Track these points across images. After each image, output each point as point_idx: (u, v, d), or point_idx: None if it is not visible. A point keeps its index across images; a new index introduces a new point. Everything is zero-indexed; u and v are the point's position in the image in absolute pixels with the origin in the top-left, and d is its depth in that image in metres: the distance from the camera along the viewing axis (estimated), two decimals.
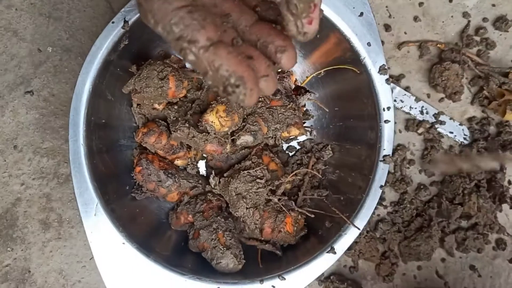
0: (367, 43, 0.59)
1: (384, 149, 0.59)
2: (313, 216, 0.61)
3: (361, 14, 0.59)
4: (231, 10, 0.35)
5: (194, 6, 0.30)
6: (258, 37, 0.34)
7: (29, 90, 0.66)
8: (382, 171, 0.58)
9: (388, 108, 0.59)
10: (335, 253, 0.57)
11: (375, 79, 0.59)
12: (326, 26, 0.59)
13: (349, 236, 0.58)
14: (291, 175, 0.63)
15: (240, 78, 0.30)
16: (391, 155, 0.59)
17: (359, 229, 0.57)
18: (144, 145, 0.61)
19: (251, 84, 0.30)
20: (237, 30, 0.35)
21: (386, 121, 0.59)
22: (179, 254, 0.61)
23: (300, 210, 0.61)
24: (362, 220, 0.58)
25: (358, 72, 0.60)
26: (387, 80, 0.59)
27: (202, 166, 0.67)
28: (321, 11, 0.32)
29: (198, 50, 0.30)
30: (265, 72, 0.32)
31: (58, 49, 0.66)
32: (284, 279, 0.56)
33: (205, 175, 0.67)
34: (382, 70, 0.59)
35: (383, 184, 0.59)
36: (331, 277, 0.68)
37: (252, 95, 0.31)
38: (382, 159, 0.59)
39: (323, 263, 0.57)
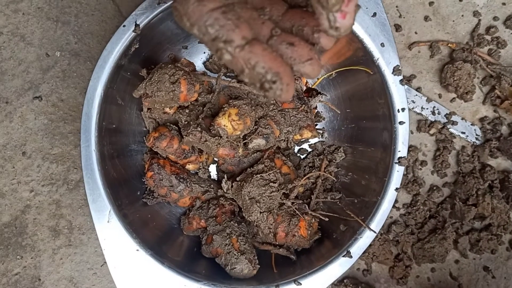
0: (381, 44, 0.58)
1: (399, 151, 0.58)
2: (327, 219, 0.60)
3: (374, 14, 0.58)
4: (262, 3, 0.35)
5: (227, 6, 0.30)
6: (292, 23, 0.34)
7: (38, 95, 0.65)
8: (397, 174, 0.58)
9: (403, 109, 0.58)
10: (351, 257, 0.56)
11: (389, 80, 0.58)
12: None
13: (365, 240, 0.57)
14: (304, 178, 0.62)
15: (277, 74, 0.30)
16: (406, 157, 0.58)
17: (375, 232, 0.57)
18: (155, 150, 0.60)
19: (287, 79, 0.31)
20: (272, 21, 0.35)
21: (401, 123, 0.58)
22: (192, 260, 0.60)
23: (314, 213, 0.61)
24: (378, 223, 0.57)
25: (371, 73, 0.60)
26: (401, 81, 0.58)
27: (213, 170, 0.67)
28: (358, 6, 0.31)
29: (234, 49, 0.30)
30: (308, 56, 0.33)
31: (67, 53, 0.66)
32: (300, 284, 0.56)
33: (216, 179, 0.67)
34: (396, 71, 0.58)
35: (399, 187, 0.58)
36: (345, 281, 0.67)
37: (289, 90, 0.31)
38: (397, 161, 0.58)
39: (339, 267, 0.57)
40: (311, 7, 0.34)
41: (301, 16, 0.35)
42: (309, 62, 0.33)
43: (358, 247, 0.57)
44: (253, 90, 0.61)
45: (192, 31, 0.31)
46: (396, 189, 0.58)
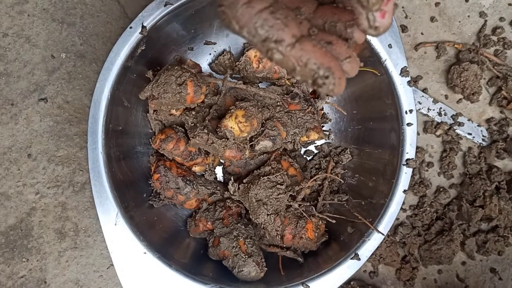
0: (388, 45, 0.58)
1: (407, 153, 0.58)
2: (334, 221, 0.60)
3: None
4: (295, 2, 0.35)
5: (274, 6, 0.30)
6: (324, 20, 0.34)
7: (43, 97, 0.65)
8: (405, 175, 0.58)
9: (411, 111, 0.58)
10: (359, 259, 0.56)
11: (396, 82, 0.58)
12: None
13: (372, 242, 0.57)
14: (311, 180, 0.62)
15: (329, 69, 0.30)
16: (414, 159, 0.58)
17: (383, 234, 0.56)
18: (161, 152, 0.60)
19: (339, 73, 0.31)
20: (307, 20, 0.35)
21: (409, 124, 0.58)
22: (198, 262, 0.60)
23: (321, 215, 0.60)
24: (386, 225, 0.57)
25: (379, 74, 0.59)
26: (408, 82, 0.58)
27: (219, 172, 0.66)
28: (396, 5, 0.31)
29: (284, 48, 0.30)
30: (347, 54, 0.32)
31: (72, 55, 0.65)
32: (308, 287, 0.55)
33: (222, 181, 0.66)
34: (403, 72, 0.58)
35: (407, 189, 0.58)
36: (352, 283, 0.67)
37: (341, 83, 0.31)
38: (405, 163, 0.58)
39: (347, 269, 0.56)
40: (341, 3, 0.34)
41: (332, 12, 0.34)
42: (348, 60, 0.32)
43: (366, 249, 0.57)
44: (259, 92, 0.61)
45: (241, 34, 0.31)
46: (404, 191, 0.58)
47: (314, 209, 0.61)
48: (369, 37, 0.58)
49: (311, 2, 0.36)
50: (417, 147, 0.70)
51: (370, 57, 0.59)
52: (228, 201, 0.62)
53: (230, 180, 0.61)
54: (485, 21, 0.71)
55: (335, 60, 0.31)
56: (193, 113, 0.61)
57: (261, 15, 0.30)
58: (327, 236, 0.61)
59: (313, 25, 0.34)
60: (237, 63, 0.63)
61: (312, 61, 0.30)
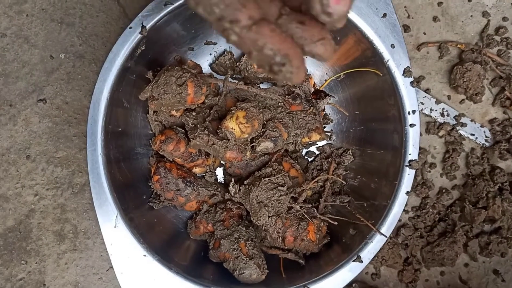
0: (391, 45, 0.57)
1: (410, 154, 0.57)
2: (336, 223, 0.59)
3: (384, 15, 0.57)
4: None
5: None
6: (300, 0, 0.32)
7: (42, 98, 0.64)
8: (408, 177, 0.57)
9: (413, 112, 0.57)
10: (361, 261, 0.56)
11: (399, 82, 0.57)
12: (346, 26, 0.58)
13: (375, 244, 0.56)
14: (313, 181, 0.61)
15: (286, 56, 0.29)
16: (417, 160, 0.57)
17: (386, 236, 0.56)
18: (161, 153, 0.60)
19: (297, 62, 0.29)
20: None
21: (412, 125, 0.57)
22: (199, 265, 0.59)
23: (322, 217, 0.60)
24: (389, 227, 0.56)
25: (381, 74, 0.59)
26: (411, 82, 0.57)
27: (220, 173, 0.66)
28: None
29: (240, 30, 0.28)
30: (320, 35, 0.31)
31: (71, 55, 0.65)
32: None
33: (223, 182, 0.66)
34: (406, 72, 0.57)
35: (409, 190, 0.57)
36: (353, 285, 0.67)
37: (299, 73, 0.30)
38: (408, 164, 0.57)
39: (349, 272, 0.56)
40: None
41: None
42: (321, 41, 0.31)
43: (369, 251, 0.56)
44: (260, 92, 0.61)
45: (197, 10, 0.29)
46: (407, 193, 0.57)
47: (315, 211, 0.60)
48: (371, 37, 0.57)
49: None
50: (420, 148, 0.69)
51: (373, 57, 0.59)
52: (229, 202, 0.61)
53: (231, 181, 0.60)
54: (488, 20, 0.71)
55: (295, 48, 0.30)
56: (194, 114, 0.60)
57: None
58: (329, 238, 0.61)
59: (289, 6, 0.32)
60: (238, 63, 0.63)
61: (269, 46, 0.29)
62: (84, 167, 0.65)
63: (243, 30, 0.28)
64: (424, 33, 0.70)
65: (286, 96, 0.61)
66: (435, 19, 0.70)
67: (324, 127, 0.66)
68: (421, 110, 0.69)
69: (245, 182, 0.59)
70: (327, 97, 0.64)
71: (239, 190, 0.59)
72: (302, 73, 0.30)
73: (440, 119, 0.70)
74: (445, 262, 0.67)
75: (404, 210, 0.68)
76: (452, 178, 0.70)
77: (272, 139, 0.58)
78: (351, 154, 0.64)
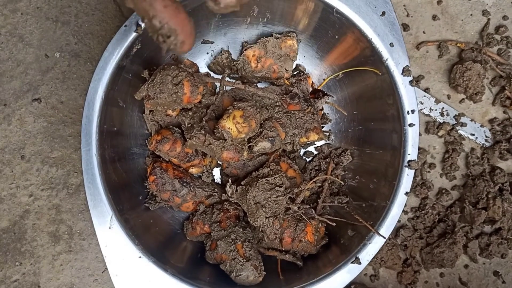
0: (390, 44, 0.56)
1: (409, 154, 0.56)
2: (334, 224, 0.58)
3: (383, 13, 0.56)
4: None
5: None
6: None
7: (37, 97, 0.63)
8: (407, 177, 0.56)
9: (413, 111, 0.56)
10: (360, 263, 0.55)
11: (398, 81, 0.57)
12: (344, 24, 0.57)
13: (374, 245, 0.56)
14: (311, 182, 0.60)
15: (173, 31, 0.33)
16: (416, 160, 0.56)
17: (385, 238, 0.55)
18: (157, 153, 0.59)
19: (183, 36, 0.34)
20: None
21: (411, 125, 0.57)
22: (195, 266, 0.59)
23: (320, 218, 0.59)
24: (387, 228, 0.56)
25: (380, 74, 0.58)
26: (410, 81, 0.57)
27: (217, 174, 0.65)
28: None
29: None
30: None
31: (66, 54, 0.64)
32: None
33: (220, 183, 0.65)
34: (405, 71, 0.56)
35: (409, 191, 0.56)
36: (352, 286, 0.66)
37: (184, 46, 0.34)
38: (407, 165, 0.56)
39: (347, 274, 0.55)
40: None
41: None
42: None
43: (367, 253, 0.55)
44: (257, 92, 0.60)
45: None
46: (406, 193, 0.56)
47: (313, 212, 0.60)
48: (370, 35, 0.57)
49: None
50: (419, 148, 0.69)
51: (371, 56, 0.58)
52: (226, 203, 0.60)
53: (228, 182, 0.59)
54: (488, 19, 0.70)
55: (184, 22, 0.34)
56: (190, 113, 0.59)
57: None
58: (327, 239, 0.60)
59: None
60: (235, 62, 0.62)
61: (158, 19, 0.33)
62: (79, 167, 0.64)
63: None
64: (424, 32, 0.70)
65: (284, 95, 0.61)
66: (434, 17, 0.70)
67: (322, 127, 0.66)
68: (421, 109, 0.69)
69: (242, 183, 0.59)
70: (326, 96, 0.63)
71: (236, 190, 0.58)
72: (187, 45, 0.35)
73: (440, 119, 0.69)
74: (445, 264, 0.66)
75: (403, 211, 0.68)
76: (452, 178, 0.69)
77: (270, 139, 0.57)
78: (349, 154, 0.64)
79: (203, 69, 0.65)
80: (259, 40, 0.61)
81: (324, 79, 0.65)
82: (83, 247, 0.64)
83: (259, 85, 0.65)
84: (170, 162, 0.60)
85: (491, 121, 0.70)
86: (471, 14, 0.70)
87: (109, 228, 0.52)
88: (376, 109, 0.61)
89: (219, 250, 0.57)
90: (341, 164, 0.64)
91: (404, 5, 0.69)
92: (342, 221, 0.59)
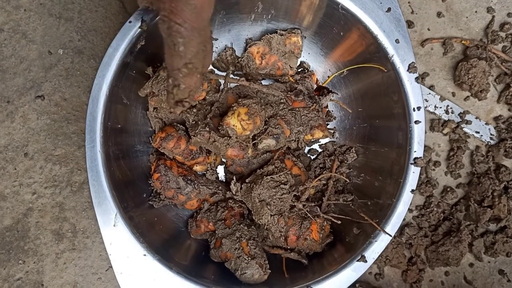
0: (395, 40, 0.56)
1: (415, 151, 0.56)
2: (339, 222, 0.58)
3: (389, 9, 0.56)
4: None
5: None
6: None
7: (40, 94, 0.63)
8: (413, 175, 0.56)
9: (418, 108, 0.56)
10: (366, 261, 0.54)
11: (404, 78, 0.56)
12: (349, 21, 0.57)
13: (379, 243, 0.55)
14: (316, 180, 0.60)
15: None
16: (422, 158, 0.56)
17: (391, 236, 0.55)
18: (161, 151, 0.58)
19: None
20: None
21: (417, 122, 0.56)
22: (200, 264, 0.58)
23: (325, 216, 0.59)
24: (393, 226, 0.55)
25: (385, 70, 0.58)
26: (416, 78, 0.56)
27: (221, 171, 0.65)
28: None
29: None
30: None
31: (70, 51, 0.64)
32: None
33: (224, 180, 0.65)
34: (411, 68, 0.56)
35: (414, 189, 0.56)
36: (357, 285, 0.65)
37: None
38: (413, 162, 0.56)
39: (353, 272, 0.55)
40: None
41: None
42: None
43: (373, 251, 0.55)
44: (262, 89, 0.59)
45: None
46: (412, 191, 0.56)
47: (318, 210, 0.59)
48: (375, 32, 0.56)
49: None
50: (424, 146, 0.68)
51: (377, 53, 0.57)
52: (230, 201, 0.60)
53: (232, 179, 0.59)
54: (493, 16, 0.70)
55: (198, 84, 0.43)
56: (195, 110, 0.59)
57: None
58: (332, 238, 0.60)
59: None
60: (239, 59, 0.62)
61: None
62: (83, 165, 0.64)
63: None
64: (428, 29, 0.69)
65: (289, 92, 0.60)
66: (439, 14, 0.69)
67: (327, 124, 0.65)
68: (425, 107, 0.68)
69: (247, 180, 0.58)
70: (330, 93, 0.62)
71: (241, 188, 0.58)
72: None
73: (445, 117, 0.69)
74: (450, 262, 0.65)
75: (408, 209, 0.67)
76: (457, 176, 0.69)
77: (274, 136, 0.57)
78: (354, 152, 0.63)
79: None
80: (264, 37, 0.61)
81: (328, 76, 0.65)
82: (87, 245, 0.63)
83: (264, 82, 0.65)
84: (174, 160, 0.60)
85: (496, 118, 0.70)
86: (476, 11, 0.70)
87: (114, 226, 0.52)
88: (381, 106, 0.61)
89: (224, 248, 0.56)
90: (346, 161, 0.63)
91: (408, 2, 0.69)
92: (347, 219, 0.59)
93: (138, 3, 0.49)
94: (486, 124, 0.69)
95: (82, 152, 0.63)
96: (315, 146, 0.66)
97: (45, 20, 0.63)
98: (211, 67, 0.65)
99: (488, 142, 0.69)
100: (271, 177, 0.57)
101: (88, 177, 0.52)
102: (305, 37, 0.63)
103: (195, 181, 0.59)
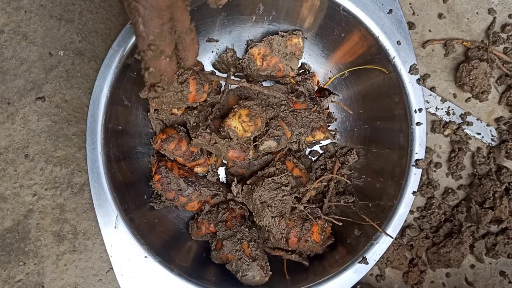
0: (397, 42, 0.56)
1: (417, 153, 0.56)
2: (340, 224, 0.58)
3: (390, 11, 0.56)
4: None
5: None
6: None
7: (41, 96, 0.63)
8: (414, 176, 0.56)
9: (420, 110, 0.56)
10: (367, 263, 0.54)
11: (405, 80, 0.56)
12: (351, 22, 0.57)
13: (381, 245, 0.55)
14: (317, 181, 0.60)
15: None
16: (424, 159, 0.56)
17: (392, 237, 0.55)
18: (162, 152, 0.58)
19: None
20: None
21: (418, 124, 0.56)
22: (200, 266, 0.58)
23: (327, 218, 0.59)
24: (394, 228, 0.55)
25: (386, 72, 0.58)
26: (418, 80, 0.56)
27: (222, 173, 0.65)
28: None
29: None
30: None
31: (70, 52, 0.63)
32: None
33: (225, 182, 0.65)
34: (413, 69, 0.56)
35: (416, 190, 0.56)
36: (358, 287, 0.65)
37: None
38: (415, 164, 0.56)
39: (354, 274, 0.55)
40: None
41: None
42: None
43: (374, 252, 0.55)
44: (263, 90, 0.59)
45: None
46: (413, 193, 0.56)
47: (320, 211, 0.59)
48: (377, 34, 0.56)
49: None
50: (425, 147, 0.68)
51: (378, 54, 0.57)
52: (231, 203, 0.60)
53: (233, 181, 0.59)
54: (494, 18, 0.69)
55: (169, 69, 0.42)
56: (195, 112, 0.59)
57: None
58: (333, 239, 0.60)
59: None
60: (240, 60, 0.62)
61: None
62: (84, 167, 0.63)
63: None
64: (430, 31, 0.69)
65: (290, 94, 0.60)
66: (440, 16, 0.69)
67: (328, 126, 0.65)
68: (427, 108, 0.68)
69: (248, 182, 0.58)
70: (331, 95, 0.62)
71: (242, 190, 0.58)
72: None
73: (446, 118, 0.69)
74: (451, 264, 0.65)
75: (409, 210, 0.67)
76: (458, 178, 0.69)
77: (276, 138, 0.57)
78: (355, 153, 0.63)
79: (208, 67, 0.64)
80: (265, 38, 0.61)
81: (329, 78, 0.65)
82: (87, 247, 0.63)
83: (265, 83, 0.65)
84: (175, 161, 0.60)
85: (497, 120, 0.69)
86: (477, 13, 0.70)
87: (115, 227, 0.52)
88: (382, 107, 0.61)
89: (225, 250, 0.56)
90: (347, 163, 0.63)
91: (410, 3, 0.69)
92: (349, 221, 0.59)
93: None
94: (487, 125, 0.69)
95: (83, 153, 0.63)
96: (316, 148, 0.66)
97: (45, 21, 0.63)
98: (212, 68, 0.65)
99: (489, 143, 0.69)
100: (272, 179, 0.57)
101: (88, 178, 0.51)
102: (306, 39, 0.63)
103: (196, 183, 0.59)
